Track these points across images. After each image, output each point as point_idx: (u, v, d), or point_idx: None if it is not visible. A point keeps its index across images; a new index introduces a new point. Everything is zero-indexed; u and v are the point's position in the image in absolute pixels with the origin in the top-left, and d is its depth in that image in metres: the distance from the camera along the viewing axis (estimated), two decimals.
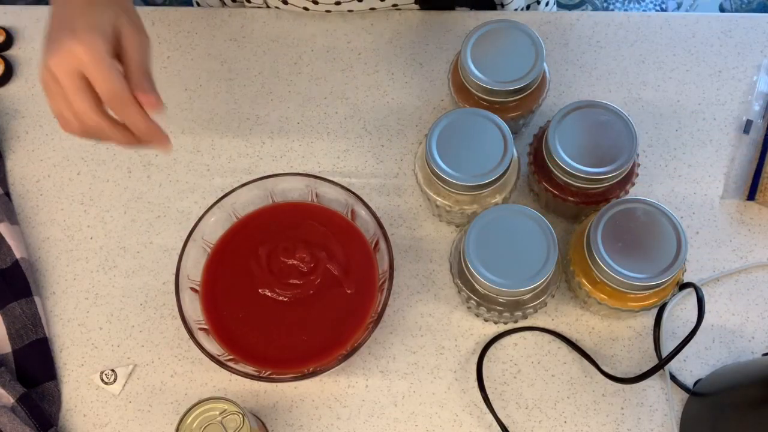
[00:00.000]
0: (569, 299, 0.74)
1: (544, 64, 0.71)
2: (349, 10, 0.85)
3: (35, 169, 0.82)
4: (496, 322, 0.73)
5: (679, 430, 0.69)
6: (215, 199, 0.72)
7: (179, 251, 0.71)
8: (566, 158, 0.67)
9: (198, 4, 0.94)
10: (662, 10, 1.77)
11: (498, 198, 0.70)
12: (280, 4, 0.85)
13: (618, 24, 0.84)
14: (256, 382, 0.72)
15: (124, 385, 0.73)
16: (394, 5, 0.85)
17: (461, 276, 0.68)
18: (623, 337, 0.73)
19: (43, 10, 0.88)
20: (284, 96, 0.83)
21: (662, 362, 0.67)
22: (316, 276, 0.71)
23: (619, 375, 0.71)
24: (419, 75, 0.83)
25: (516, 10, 0.88)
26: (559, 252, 0.65)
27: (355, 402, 0.72)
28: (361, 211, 0.72)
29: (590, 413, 0.70)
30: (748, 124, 0.79)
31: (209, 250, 0.73)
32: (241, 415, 0.62)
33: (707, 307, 0.73)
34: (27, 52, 0.86)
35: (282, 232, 0.73)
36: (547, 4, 0.94)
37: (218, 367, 0.67)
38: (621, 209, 0.65)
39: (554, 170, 0.68)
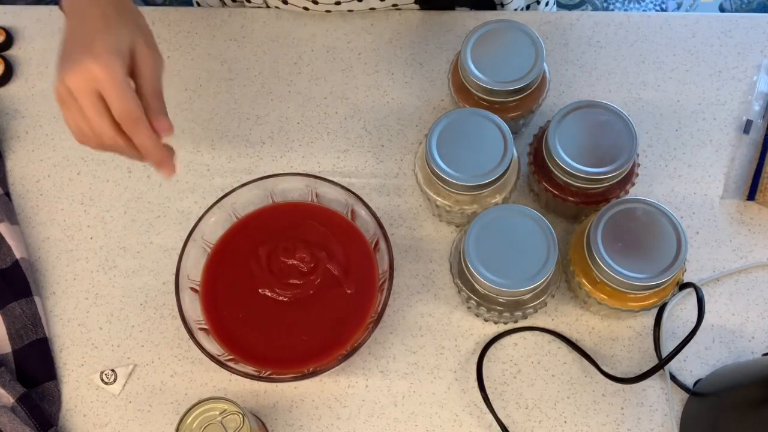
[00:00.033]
0: (569, 299, 0.74)
1: (544, 64, 0.71)
2: (349, 10, 0.85)
3: (35, 169, 0.82)
4: (496, 322, 0.73)
5: (679, 430, 0.69)
6: (215, 199, 0.72)
7: (179, 251, 0.71)
8: (566, 158, 0.67)
9: (198, 4, 0.94)
10: (662, 10, 1.77)
11: (498, 198, 0.70)
12: (280, 4, 0.85)
13: (618, 24, 0.84)
14: (256, 382, 0.72)
15: (124, 385, 0.73)
16: (394, 5, 0.85)
17: (461, 276, 0.68)
18: (623, 337, 0.73)
19: (43, 10, 0.88)
20: (284, 96, 0.83)
21: (662, 362, 0.67)
22: (316, 276, 0.71)
23: (619, 375, 0.71)
24: (419, 75, 0.83)
25: (516, 10, 0.88)
26: (559, 252, 0.65)
27: (355, 402, 0.72)
28: (361, 211, 0.72)
29: (590, 413, 0.70)
30: (748, 124, 0.79)
31: (209, 250, 0.73)
32: (241, 415, 0.62)
33: (707, 307, 0.73)
34: (27, 52, 0.86)
35: (282, 232, 0.73)
36: (546, 4, 0.94)
37: (218, 367, 0.67)
38: (621, 209, 0.65)
39: (554, 170, 0.68)
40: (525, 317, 0.72)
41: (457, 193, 0.68)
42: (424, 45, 0.84)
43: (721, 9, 1.78)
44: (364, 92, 0.83)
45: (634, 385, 0.71)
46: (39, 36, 0.87)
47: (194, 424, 0.62)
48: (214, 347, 0.69)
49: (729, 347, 0.72)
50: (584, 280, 0.67)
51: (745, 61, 0.82)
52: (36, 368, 0.73)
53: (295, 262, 0.72)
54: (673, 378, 0.71)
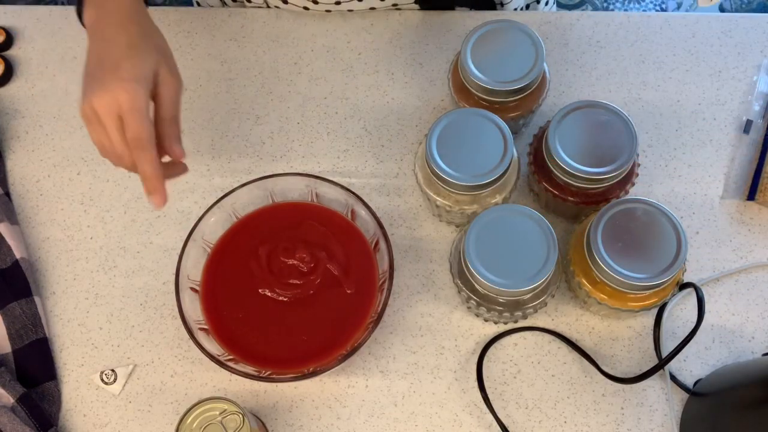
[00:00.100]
0: (569, 299, 0.74)
1: (544, 64, 0.71)
2: (349, 10, 0.85)
3: (35, 169, 0.82)
4: (496, 322, 0.73)
5: (679, 430, 0.69)
6: (215, 199, 0.72)
7: (179, 251, 0.71)
8: (566, 158, 0.67)
9: (198, 4, 0.94)
10: (662, 10, 1.77)
11: (498, 198, 0.70)
12: (280, 4, 0.85)
13: (618, 24, 0.84)
14: (256, 382, 0.72)
15: (124, 385, 0.73)
16: (394, 5, 0.85)
17: (461, 276, 0.68)
18: (623, 337, 0.73)
19: (43, 10, 0.88)
20: (284, 96, 0.83)
21: (662, 362, 0.67)
22: (316, 276, 0.71)
23: (619, 375, 0.71)
24: (419, 75, 0.83)
25: (516, 9, 0.88)
26: (559, 252, 0.65)
27: (355, 402, 0.72)
28: (361, 211, 0.72)
29: (590, 413, 0.70)
30: (748, 124, 0.79)
31: (209, 250, 0.73)
32: (241, 415, 0.62)
33: (707, 307, 0.73)
34: (27, 52, 0.86)
35: (282, 232, 0.73)
36: (546, 3, 0.94)
37: (218, 367, 0.67)
38: (621, 209, 0.65)
39: (554, 170, 0.68)
40: (525, 317, 0.72)
41: (457, 193, 0.68)
42: (424, 45, 0.84)
43: (721, 9, 1.78)
44: (364, 92, 0.83)
45: (634, 385, 0.71)
46: (39, 36, 0.87)
47: (194, 424, 0.62)
48: (214, 347, 0.69)
49: (729, 347, 0.72)
50: (584, 280, 0.67)
51: (745, 61, 0.82)
52: (36, 368, 0.73)
53: (295, 262, 0.72)
54: (673, 378, 0.71)
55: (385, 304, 0.68)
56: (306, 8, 0.85)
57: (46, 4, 1.78)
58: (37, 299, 0.75)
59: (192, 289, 0.71)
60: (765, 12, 1.74)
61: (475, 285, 0.66)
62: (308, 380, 0.71)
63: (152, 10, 0.86)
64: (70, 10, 0.88)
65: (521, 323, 0.73)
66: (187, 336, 0.71)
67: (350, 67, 0.84)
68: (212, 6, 0.91)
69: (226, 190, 0.73)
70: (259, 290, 0.72)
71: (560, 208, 0.73)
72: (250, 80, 0.84)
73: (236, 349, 0.70)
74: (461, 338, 0.73)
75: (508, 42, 0.71)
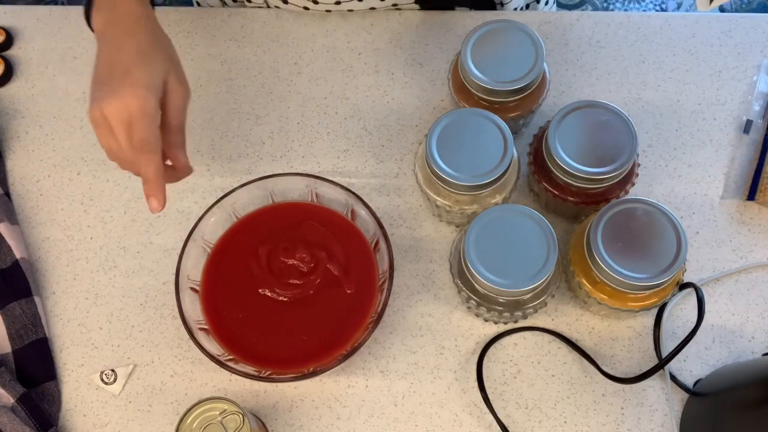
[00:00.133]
0: (569, 299, 0.74)
1: (544, 64, 0.71)
2: (349, 10, 0.85)
3: (35, 169, 0.82)
4: (496, 322, 0.73)
5: (679, 430, 0.69)
6: (215, 199, 0.72)
7: (179, 251, 0.71)
8: (566, 158, 0.67)
9: (198, 4, 0.94)
10: (662, 10, 1.77)
11: (498, 198, 0.70)
12: (281, 4, 0.85)
13: (618, 24, 0.84)
14: (256, 382, 0.72)
15: (124, 385, 0.73)
16: (394, 5, 0.85)
17: (461, 276, 0.68)
18: (623, 337, 0.73)
19: (43, 10, 0.88)
20: (284, 96, 0.83)
21: (662, 362, 0.67)
22: (316, 276, 0.71)
23: (619, 375, 0.71)
24: (419, 75, 0.83)
25: (516, 9, 0.88)
26: (559, 252, 0.65)
27: (355, 402, 0.72)
28: (361, 211, 0.72)
29: (590, 413, 0.70)
30: (748, 124, 0.79)
31: (209, 250, 0.73)
32: (241, 415, 0.62)
33: (707, 307, 0.73)
34: (27, 52, 0.86)
35: (282, 232, 0.73)
36: (546, 2, 0.94)
37: (218, 367, 0.67)
38: (621, 209, 0.65)
39: (554, 170, 0.68)
40: (525, 317, 0.72)
41: (457, 193, 0.68)
42: (424, 45, 0.84)
43: (721, 9, 1.78)
44: (364, 92, 0.83)
45: (634, 385, 0.71)
46: (39, 36, 0.87)
47: (194, 424, 0.62)
48: (214, 347, 0.69)
49: (729, 347, 0.72)
50: (584, 280, 0.67)
51: (745, 61, 0.82)
52: (36, 368, 0.73)
53: (295, 262, 0.72)
54: (673, 378, 0.71)
55: (385, 304, 0.68)
56: (306, 8, 0.85)
57: (46, 4, 1.78)
58: (37, 299, 0.75)
59: (192, 289, 0.71)
60: (765, 12, 1.74)
61: (475, 285, 0.66)
62: (308, 380, 0.71)
63: None
64: (71, 10, 0.88)
65: (521, 323, 0.73)
66: (187, 336, 0.71)
67: (350, 67, 0.84)
68: (212, 6, 0.91)
69: (226, 190, 0.73)
70: (259, 290, 0.72)
71: (560, 208, 0.73)
72: (250, 80, 0.84)
73: (236, 349, 0.70)
74: (461, 338, 0.73)
75: (508, 42, 0.71)
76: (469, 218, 0.71)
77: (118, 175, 0.81)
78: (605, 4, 1.79)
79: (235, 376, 0.73)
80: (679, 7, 1.78)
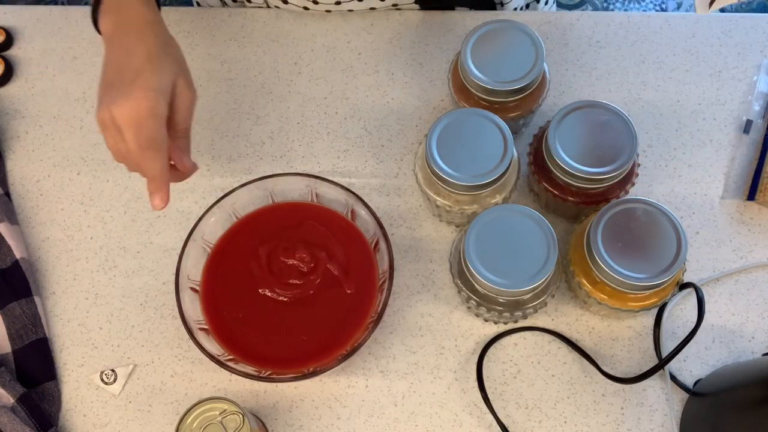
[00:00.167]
0: (569, 299, 0.74)
1: (544, 64, 0.71)
2: (349, 10, 0.85)
3: (35, 169, 0.82)
4: (496, 322, 0.73)
5: (679, 430, 0.69)
6: (215, 199, 0.72)
7: (179, 251, 0.71)
8: (566, 158, 0.67)
9: (198, 4, 0.94)
10: (662, 10, 1.77)
11: (498, 198, 0.70)
12: (280, 4, 0.85)
13: (618, 24, 0.84)
14: (256, 382, 0.72)
15: (124, 385, 0.73)
16: (394, 5, 0.85)
17: (461, 276, 0.68)
18: (623, 337, 0.73)
19: (43, 10, 0.88)
20: (284, 96, 0.83)
21: (662, 362, 0.67)
22: (316, 276, 0.71)
23: (619, 375, 0.71)
24: (419, 75, 0.83)
25: (516, 9, 0.88)
26: (559, 252, 0.65)
27: (355, 402, 0.72)
28: (361, 211, 0.72)
29: (590, 413, 0.70)
30: (748, 124, 0.79)
31: (209, 250, 0.73)
32: (241, 415, 0.62)
33: (707, 307, 0.73)
34: (27, 52, 0.86)
35: (282, 232, 0.73)
36: (546, 2, 0.94)
37: (218, 367, 0.67)
38: (621, 209, 0.65)
39: (554, 170, 0.68)
40: (525, 317, 0.72)
41: (457, 193, 0.68)
42: (424, 45, 0.84)
43: (721, 9, 1.78)
44: (364, 92, 0.83)
45: (634, 385, 0.71)
46: (39, 36, 0.87)
47: (194, 424, 0.62)
48: (214, 347, 0.69)
49: (729, 347, 0.72)
50: (584, 280, 0.67)
51: (745, 61, 0.82)
52: (36, 368, 0.73)
53: (295, 262, 0.72)
54: (673, 378, 0.71)
55: (385, 304, 0.68)
56: (306, 8, 0.85)
57: (46, 4, 1.78)
58: (37, 299, 0.75)
59: (192, 289, 0.71)
60: (765, 12, 1.74)
61: (475, 285, 0.66)
62: (308, 380, 0.71)
63: None
64: (71, 10, 0.88)
65: (521, 323, 0.73)
66: (187, 336, 0.71)
67: (350, 67, 0.84)
68: (212, 6, 0.91)
69: (226, 190, 0.73)
70: (259, 290, 0.72)
71: (560, 208, 0.73)
72: (250, 80, 0.84)
73: (236, 349, 0.70)
74: (461, 338, 0.73)
75: (508, 42, 0.71)
76: (469, 218, 0.71)
77: (118, 175, 0.81)
78: (605, 4, 1.79)
79: (235, 376, 0.73)
80: (679, 7, 1.78)
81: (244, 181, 0.73)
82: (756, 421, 0.60)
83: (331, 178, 0.73)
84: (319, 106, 0.82)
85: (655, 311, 0.72)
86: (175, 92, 0.65)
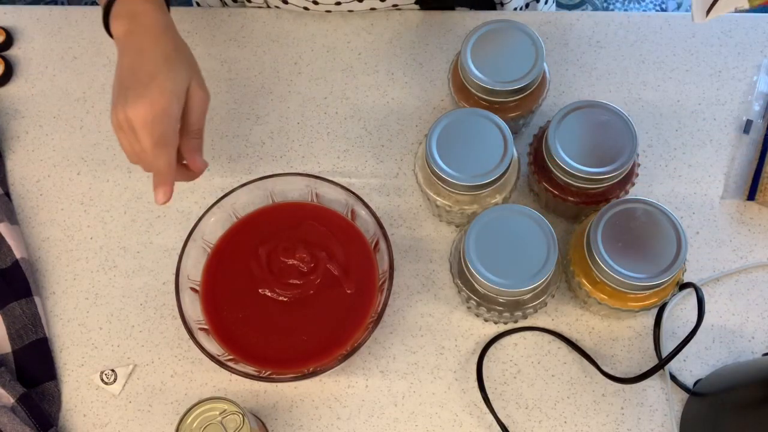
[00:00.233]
0: (569, 299, 0.74)
1: (544, 64, 0.71)
2: (350, 11, 0.85)
3: (35, 169, 0.82)
4: (496, 322, 0.73)
5: (679, 430, 0.69)
6: (215, 199, 0.72)
7: (179, 251, 0.71)
8: (566, 158, 0.67)
9: (198, 4, 0.94)
10: (662, 10, 1.77)
11: (498, 198, 0.70)
12: (281, 4, 0.85)
13: (618, 24, 0.84)
14: (256, 382, 0.72)
15: (124, 385, 0.73)
16: (395, 5, 0.85)
17: (461, 276, 0.68)
18: (623, 337, 0.73)
19: (43, 10, 0.88)
20: (284, 96, 0.83)
21: (662, 362, 0.67)
22: (316, 276, 0.71)
23: (619, 375, 0.71)
24: (419, 75, 0.83)
25: (516, 9, 0.88)
26: (559, 252, 0.65)
27: (355, 402, 0.72)
28: (361, 211, 0.72)
29: (590, 413, 0.70)
30: (748, 124, 0.79)
31: (209, 250, 0.73)
32: (241, 415, 0.62)
33: (707, 307, 0.73)
34: (27, 52, 0.86)
35: (282, 232, 0.73)
36: (546, 2, 0.94)
37: (218, 367, 0.67)
38: (621, 209, 0.65)
39: (554, 170, 0.68)
40: (525, 317, 0.72)
41: (457, 193, 0.68)
42: (424, 45, 0.84)
43: None
44: (364, 92, 0.83)
45: (634, 385, 0.71)
46: (39, 36, 0.87)
47: (194, 424, 0.62)
48: (214, 347, 0.69)
49: (729, 347, 0.72)
50: (584, 280, 0.67)
51: (745, 61, 0.82)
52: (36, 368, 0.73)
53: (295, 262, 0.72)
54: (673, 378, 0.71)
55: (385, 304, 0.68)
56: (306, 8, 0.85)
57: (46, 4, 1.78)
58: (37, 299, 0.75)
59: (192, 289, 0.71)
60: (765, 12, 1.74)
61: (475, 285, 0.66)
62: (308, 380, 0.71)
63: None
64: (71, 10, 0.88)
65: (521, 323, 0.73)
66: (187, 336, 0.71)
67: (350, 67, 0.84)
68: (212, 6, 0.91)
69: (226, 190, 0.73)
70: (259, 290, 0.72)
71: (560, 208, 0.73)
72: (250, 80, 0.84)
73: (236, 349, 0.70)
74: (461, 338, 0.73)
75: (508, 42, 0.71)
76: (469, 218, 0.71)
77: (118, 175, 0.81)
78: (605, 4, 1.79)
79: (235, 376, 0.73)
80: (679, 7, 1.78)
81: (244, 181, 0.73)
82: (756, 421, 0.60)
83: (331, 178, 0.73)
84: (319, 106, 0.82)
85: (655, 311, 0.72)
86: (189, 94, 0.66)
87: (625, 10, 1.77)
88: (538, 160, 0.71)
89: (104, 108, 0.83)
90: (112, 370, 0.73)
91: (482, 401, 0.71)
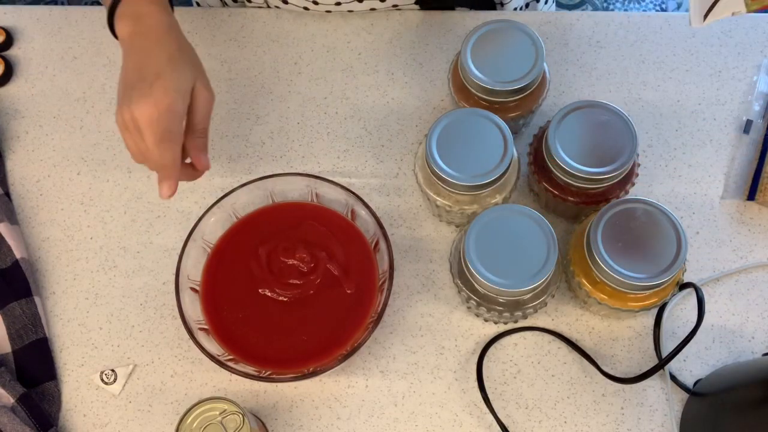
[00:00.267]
0: (569, 299, 0.74)
1: (544, 64, 0.71)
2: (350, 11, 0.85)
3: (35, 169, 0.82)
4: (496, 322, 0.73)
5: (679, 430, 0.69)
6: (215, 199, 0.72)
7: (179, 251, 0.71)
8: (566, 158, 0.67)
9: (198, 4, 0.94)
10: (662, 10, 1.77)
11: (498, 198, 0.70)
12: (281, 4, 0.85)
13: (618, 24, 0.84)
14: (256, 382, 0.72)
15: (124, 385, 0.73)
16: (395, 5, 0.85)
17: (461, 276, 0.68)
18: (623, 337, 0.73)
19: (43, 10, 0.88)
20: (284, 96, 0.83)
21: (662, 362, 0.67)
22: (316, 276, 0.71)
23: (619, 375, 0.71)
24: (419, 75, 0.83)
25: (516, 9, 0.88)
26: (559, 252, 0.65)
27: (355, 402, 0.72)
28: (361, 211, 0.72)
29: (590, 413, 0.70)
30: (748, 124, 0.79)
31: (209, 250, 0.73)
32: (241, 415, 0.62)
33: (707, 307, 0.73)
34: (27, 52, 0.86)
35: (282, 232, 0.73)
36: (546, 2, 0.94)
37: (218, 367, 0.67)
38: (621, 209, 0.65)
39: (554, 170, 0.68)
40: (525, 317, 0.72)
41: (457, 193, 0.68)
42: (424, 45, 0.84)
43: None
44: (364, 92, 0.83)
45: (634, 385, 0.71)
46: (39, 36, 0.87)
47: (194, 424, 0.62)
48: (214, 347, 0.69)
49: (729, 347, 0.72)
50: (584, 280, 0.67)
51: (745, 61, 0.82)
52: (36, 368, 0.73)
53: (295, 262, 0.72)
54: (673, 378, 0.71)
55: (385, 304, 0.68)
56: (306, 8, 0.85)
57: (46, 4, 1.78)
58: (37, 299, 0.75)
59: (192, 289, 0.71)
60: (765, 12, 1.74)
61: (475, 285, 0.66)
62: (308, 380, 0.71)
63: None
64: (71, 10, 0.88)
65: (521, 323, 0.73)
66: (187, 336, 0.71)
67: (350, 67, 0.84)
68: (212, 6, 0.91)
69: (226, 190, 0.73)
70: (259, 290, 0.72)
71: (560, 208, 0.73)
72: (250, 80, 0.84)
73: (236, 349, 0.70)
74: (461, 338, 0.73)
75: (508, 42, 0.71)
76: (469, 218, 0.71)
77: (118, 175, 0.81)
78: (605, 4, 1.79)
79: (235, 376, 0.73)
80: (679, 7, 1.78)
81: (244, 181, 0.73)
82: (756, 421, 0.60)
83: (331, 178, 0.73)
84: (319, 106, 0.82)
85: (655, 311, 0.72)
86: (194, 94, 0.66)
87: (625, 10, 1.77)
88: (538, 160, 0.71)
89: (104, 108, 0.84)
90: (112, 370, 0.73)
91: (482, 401, 0.71)
